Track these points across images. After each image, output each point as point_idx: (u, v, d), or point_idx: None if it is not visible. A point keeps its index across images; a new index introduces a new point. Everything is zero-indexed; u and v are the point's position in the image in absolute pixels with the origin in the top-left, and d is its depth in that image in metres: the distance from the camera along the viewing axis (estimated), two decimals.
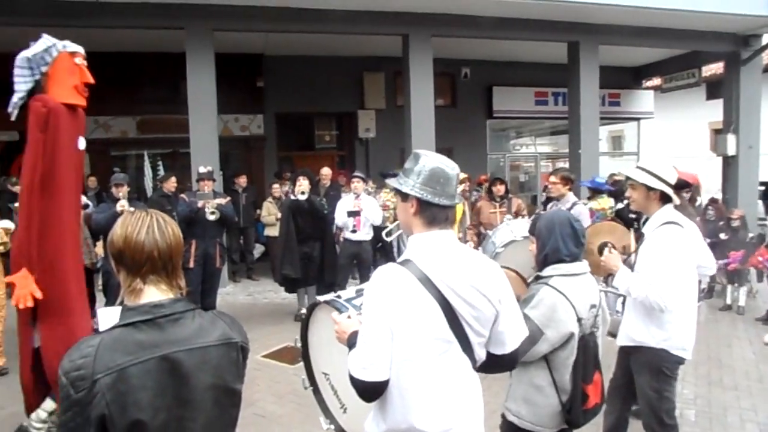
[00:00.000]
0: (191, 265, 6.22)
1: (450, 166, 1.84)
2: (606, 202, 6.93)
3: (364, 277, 7.07)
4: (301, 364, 2.66)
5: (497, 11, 9.23)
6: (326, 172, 8.15)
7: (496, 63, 12.78)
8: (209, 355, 1.45)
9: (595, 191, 7.30)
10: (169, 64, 10.64)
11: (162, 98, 10.98)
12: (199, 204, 6.16)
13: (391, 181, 1.93)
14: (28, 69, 3.46)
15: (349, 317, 2.06)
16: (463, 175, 8.41)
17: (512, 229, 5.19)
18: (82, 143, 3.69)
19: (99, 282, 7.73)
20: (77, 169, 3.76)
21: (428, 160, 1.84)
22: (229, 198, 6.70)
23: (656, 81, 13.93)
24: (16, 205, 5.52)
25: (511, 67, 12.86)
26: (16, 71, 3.46)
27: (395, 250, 9.28)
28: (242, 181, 9.21)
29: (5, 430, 4.07)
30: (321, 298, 2.47)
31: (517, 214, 6.70)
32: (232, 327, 1.54)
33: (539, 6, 9.01)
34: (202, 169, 6.54)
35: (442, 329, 1.73)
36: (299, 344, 2.62)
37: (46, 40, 3.50)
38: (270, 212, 8.66)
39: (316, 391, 2.60)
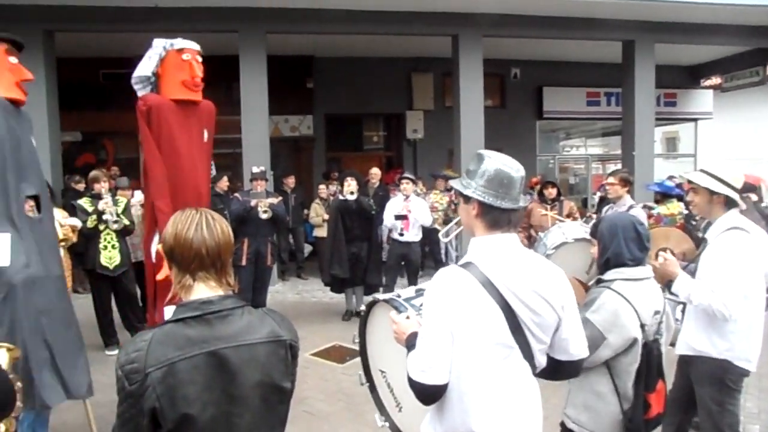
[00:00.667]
0: (243, 263, 6.36)
1: (514, 168, 1.82)
2: (675, 207, 6.47)
3: (412, 279, 7.06)
4: (349, 362, 2.70)
5: (550, 10, 9.07)
6: (375, 172, 8.17)
7: (546, 63, 12.55)
8: (257, 352, 1.48)
9: (665, 195, 6.82)
10: (221, 66, 10.91)
11: (214, 100, 11.23)
12: (252, 203, 6.28)
13: (454, 183, 1.92)
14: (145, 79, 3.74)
15: (407, 317, 2.06)
16: None
17: (564, 232, 5.08)
18: (205, 135, 3.82)
19: None
20: (202, 160, 3.87)
21: (492, 161, 1.82)
22: (280, 198, 6.81)
23: (716, 80, 13.37)
24: (80, 202, 5.80)
25: (561, 67, 12.60)
26: (135, 86, 3.76)
27: (443, 252, 9.26)
28: (291, 181, 9.34)
29: (68, 416, 4.24)
30: (381, 296, 2.48)
31: (569, 217, 6.56)
32: (282, 325, 1.57)
33: (593, 4, 8.82)
34: (255, 169, 6.68)
35: (504, 334, 1.71)
36: (357, 340, 2.64)
37: (156, 45, 3.69)
38: (317, 213, 8.75)
39: (372, 388, 2.61)
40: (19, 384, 1.90)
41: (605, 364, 2.27)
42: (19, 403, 1.80)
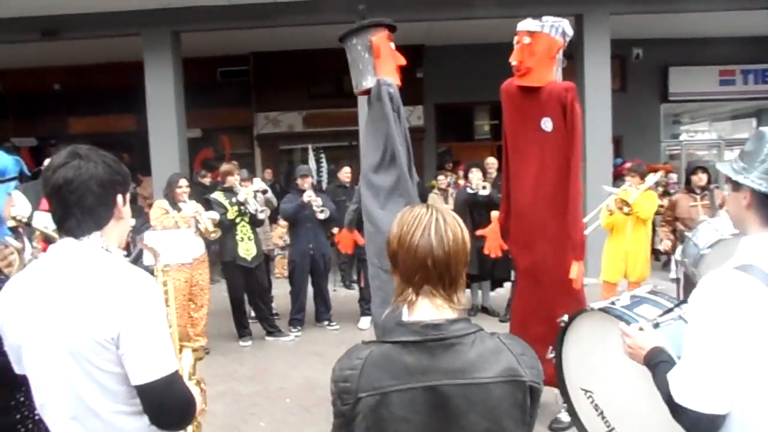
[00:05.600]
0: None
1: None
2: None
3: None
4: None
5: None
6: (492, 161, 7.78)
7: (672, 41, 11.52)
8: (486, 394, 1.21)
9: None
10: (332, 59, 10.98)
11: (327, 93, 11.36)
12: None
13: (722, 166, 1.60)
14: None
15: (641, 329, 1.77)
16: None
17: (716, 228, 4.56)
18: (546, 125, 3.43)
19: (275, 270, 8.18)
20: (541, 150, 3.51)
21: None
22: None
23: None
24: (214, 196, 5.92)
25: (690, 44, 11.51)
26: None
27: None
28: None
29: (216, 407, 4.30)
30: (594, 305, 2.19)
31: (722, 207, 5.90)
32: (521, 359, 1.26)
33: None
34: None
35: None
36: (551, 354, 2.37)
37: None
38: (436, 202, 8.53)
39: (571, 410, 2.33)
40: (203, 385, 1.82)
41: None
42: (203, 406, 1.71)
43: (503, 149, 3.85)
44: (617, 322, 2.01)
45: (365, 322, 6.41)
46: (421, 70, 11.20)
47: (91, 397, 1.42)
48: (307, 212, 6.14)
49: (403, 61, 3.44)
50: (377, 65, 3.45)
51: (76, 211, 1.44)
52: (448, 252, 1.25)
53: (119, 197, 1.52)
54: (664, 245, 5.91)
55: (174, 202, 5.36)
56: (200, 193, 6.87)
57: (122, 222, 1.55)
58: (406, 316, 1.31)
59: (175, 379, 1.46)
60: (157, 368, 1.41)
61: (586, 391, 2.25)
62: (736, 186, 1.55)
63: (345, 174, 7.57)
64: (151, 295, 1.45)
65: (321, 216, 6.17)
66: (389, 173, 3.41)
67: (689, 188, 6.23)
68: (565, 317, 2.26)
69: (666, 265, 8.74)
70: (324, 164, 11.71)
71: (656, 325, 1.89)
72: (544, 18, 3.33)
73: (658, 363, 1.64)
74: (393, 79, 3.39)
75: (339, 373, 1.25)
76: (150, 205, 8.36)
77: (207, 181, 8.37)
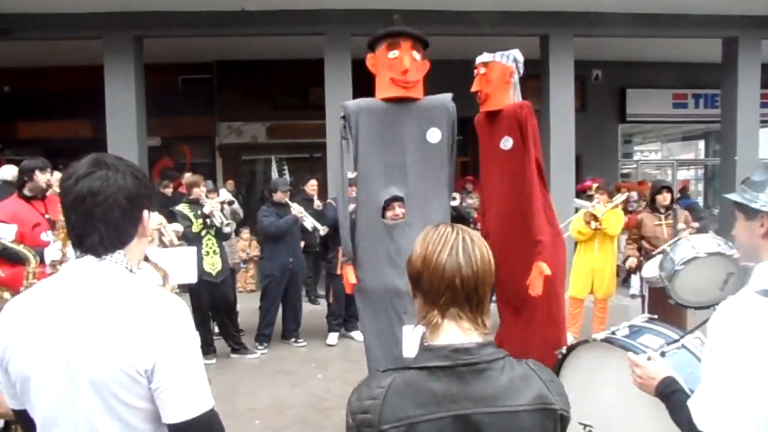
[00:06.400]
0: (339, 272, 6.15)
1: None
2: None
3: None
4: None
5: (645, 7, 8.56)
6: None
7: (630, 64, 11.94)
8: (518, 423, 1.15)
9: None
10: (298, 70, 10.89)
11: (291, 105, 11.22)
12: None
13: (733, 196, 1.61)
14: None
15: (649, 359, 1.75)
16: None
17: (694, 245, 4.67)
18: (506, 143, 3.57)
19: (238, 284, 7.94)
20: (502, 170, 3.61)
21: None
22: None
23: None
24: (179, 208, 5.69)
25: (647, 68, 11.95)
26: None
27: None
28: None
29: None
30: (596, 336, 2.15)
31: (687, 226, 6.06)
32: (551, 387, 1.21)
33: None
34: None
35: None
36: None
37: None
38: None
39: None
40: None
41: None
42: None
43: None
44: (622, 352, 1.99)
45: (333, 338, 6.29)
46: None
47: None
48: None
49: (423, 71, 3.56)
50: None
51: (101, 226, 1.27)
52: (477, 272, 1.20)
53: (145, 213, 1.37)
54: (630, 262, 6.00)
55: None
56: (161, 204, 6.61)
57: (143, 240, 1.39)
58: (430, 342, 1.23)
59: (213, 416, 1.30)
60: (196, 405, 1.26)
61: (585, 426, 2.21)
62: (750, 215, 1.56)
63: (311, 187, 7.47)
64: (188, 323, 1.30)
65: (322, 232, 6.21)
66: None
67: (653, 207, 6.36)
68: (563, 349, 2.22)
69: (626, 281, 8.95)
70: (287, 176, 11.54)
71: (662, 354, 1.87)
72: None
73: (672, 392, 1.62)
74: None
75: (357, 404, 1.16)
76: None
77: (168, 191, 8.07)
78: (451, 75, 11.42)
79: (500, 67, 3.49)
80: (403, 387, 1.15)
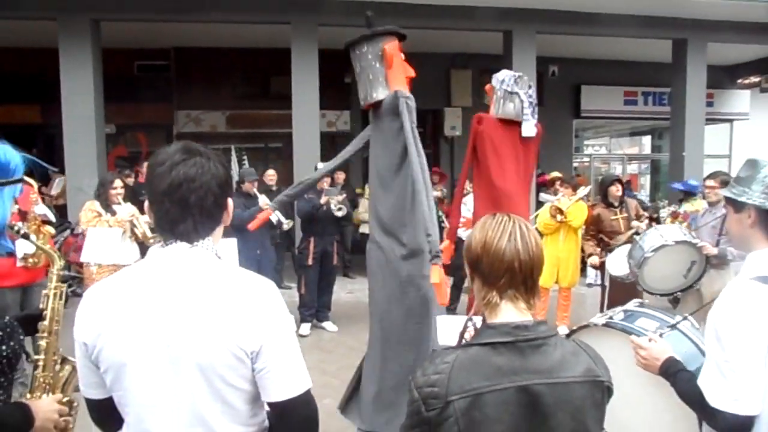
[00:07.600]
0: (310, 262, 6.17)
1: None
2: (699, 204, 6.72)
3: None
4: None
5: (604, 7, 8.89)
6: None
7: (585, 61, 12.34)
8: (572, 393, 1.27)
9: (688, 194, 7.68)
10: (260, 59, 10.73)
11: (252, 94, 11.05)
12: (323, 200, 6.07)
13: (723, 191, 1.77)
14: None
15: (650, 340, 1.88)
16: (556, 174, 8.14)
17: (662, 234, 4.92)
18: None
19: None
20: None
21: None
22: (345, 194, 6.62)
23: (754, 79, 13.20)
24: None
25: (601, 66, 12.39)
26: None
27: None
28: (341, 177, 9.12)
29: None
30: (595, 320, 2.26)
31: (638, 218, 6.34)
32: (597, 362, 1.34)
33: (648, 1, 8.63)
34: (320, 165, 6.45)
35: None
36: None
37: None
38: (367, 209, 8.54)
39: None
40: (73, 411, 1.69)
41: None
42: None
43: None
44: (620, 335, 2.11)
45: (305, 328, 6.29)
46: (349, 75, 11.17)
47: (213, 417, 1.27)
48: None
49: (412, 73, 3.25)
50: (389, 76, 3.21)
51: (195, 213, 1.29)
52: (532, 257, 1.31)
53: (230, 200, 1.39)
54: (592, 261, 6.14)
55: (107, 204, 4.96)
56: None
57: (222, 228, 1.41)
58: (491, 321, 1.33)
59: (311, 396, 1.35)
60: (298, 384, 1.31)
61: None
62: (738, 208, 1.70)
63: (269, 177, 7.44)
64: (284, 305, 1.35)
65: (286, 227, 6.37)
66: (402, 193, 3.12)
67: (607, 201, 6.50)
68: (564, 333, 2.32)
69: (582, 271, 9.29)
70: (246, 166, 11.37)
71: (660, 336, 2.00)
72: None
73: (677, 371, 1.74)
74: (407, 90, 3.21)
75: (424, 379, 1.24)
76: (57, 207, 7.71)
77: (131, 181, 7.82)
78: (414, 68, 11.55)
79: (489, 88, 3.78)
80: (467, 362, 1.24)
